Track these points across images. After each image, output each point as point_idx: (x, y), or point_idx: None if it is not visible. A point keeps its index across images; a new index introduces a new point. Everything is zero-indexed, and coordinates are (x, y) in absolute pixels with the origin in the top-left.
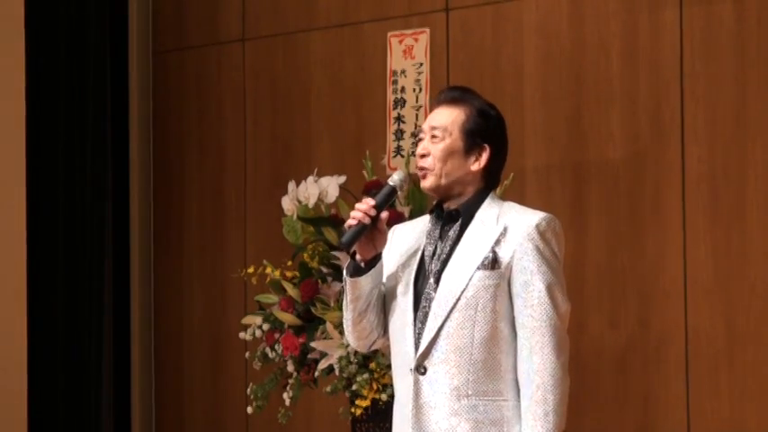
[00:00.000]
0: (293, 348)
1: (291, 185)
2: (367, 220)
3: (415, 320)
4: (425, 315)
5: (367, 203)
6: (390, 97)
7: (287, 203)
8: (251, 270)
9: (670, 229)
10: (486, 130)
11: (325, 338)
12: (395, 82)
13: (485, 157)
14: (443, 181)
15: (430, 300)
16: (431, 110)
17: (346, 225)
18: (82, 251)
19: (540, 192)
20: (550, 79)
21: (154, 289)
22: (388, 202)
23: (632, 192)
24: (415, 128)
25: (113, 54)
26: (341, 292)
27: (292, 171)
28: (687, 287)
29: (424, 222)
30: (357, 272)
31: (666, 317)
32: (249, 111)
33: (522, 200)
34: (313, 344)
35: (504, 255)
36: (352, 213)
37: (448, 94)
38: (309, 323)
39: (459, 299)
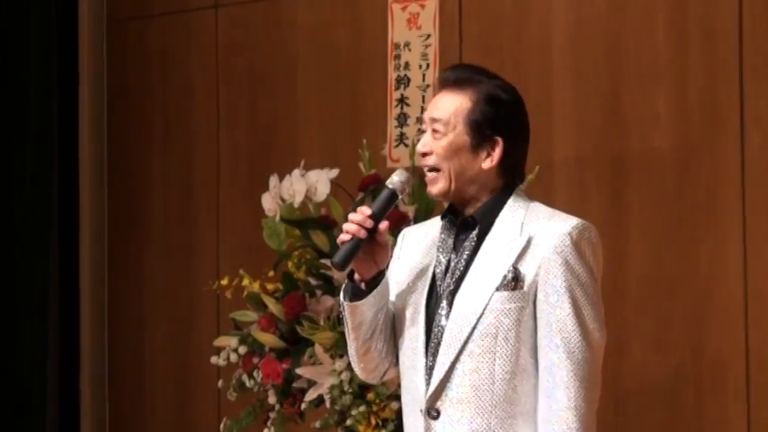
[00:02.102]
0: (275, 376)
1: (273, 180)
2: (363, 234)
3: (426, 352)
4: (437, 345)
5: (362, 213)
6: (392, 75)
7: (268, 202)
8: (225, 282)
9: (728, 234)
10: (496, 119)
11: (313, 364)
12: (397, 57)
13: (497, 152)
14: (453, 184)
15: (442, 327)
16: (433, 94)
17: (339, 241)
18: (20, 259)
19: (570, 189)
20: (583, 53)
21: (108, 305)
22: (387, 209)
23: (682, 188)
24: (422, 112)
25: (60, 22)
26: (338, 313)
27: (274, 163)
28: (748, 304)
29: (437, 228)
30: (357, 295)
31: (723, 339)
32: (223, 91)
33: (549, 199)
34: (299, 370)
35: (527, 271)
36: (345, 226)
37: (450, 75)
38: (295, 345)
39: (475, 326)
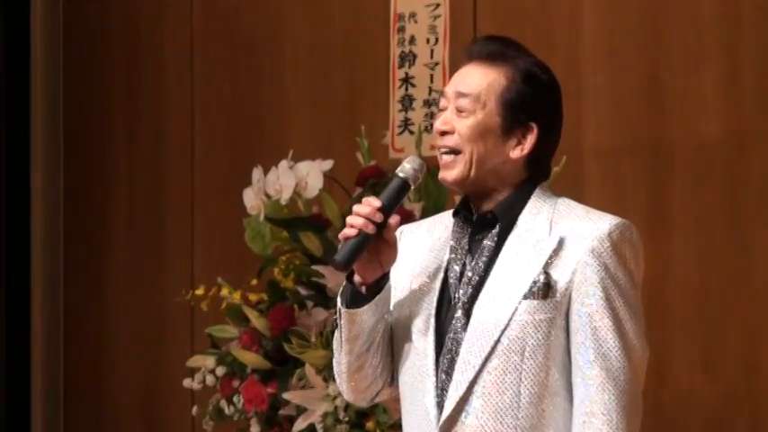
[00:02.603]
0: (259, 401)
1: (257, 173)
2: (371, 229)
3: (437, 370)
4: (451, 362)
5: (370, 205)
6: (395, 51)
7: (251, 198)
8: (200, 292)
9: None
10: (534, 102)
11: (303, 387)
12: (401, 30)
13: (530, 140)
14: (474, 172)
15: (458, 341)
16: (460, 67)
17: (342, 236)
18: None
19: (602, 184)
20: (617, 25)
21: (64, 319)
22: (398, 201)
23: (732, 183)
24: (430, 94)
25: None
26: (333, 326)
27: (258, 153)
28: None
29: (445, 225)
30: (356, 300)
31: None
32: (198, 69)
33: (578, 195)
34: (286, 395)
35: (559, 277)
36: (350, 219)
37: (484, 46)
38: (282, 366)
39: (498, 340)
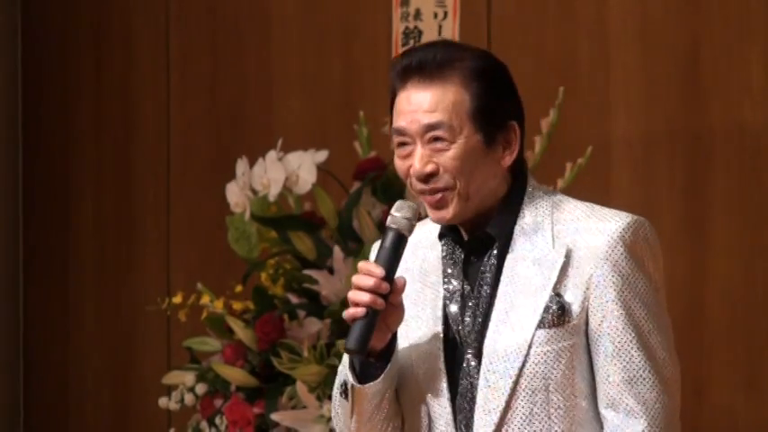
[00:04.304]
0: (244, 423)
1: (242, 165)
2: (379, 305)
3: (455, 420)
4: (469, 410)
5: (372, 274)
6: (398, 27)
7: (234, 194)
8: (177, 299)
9: None
10: (500, 98)
11: (294, 407)
12: (405, 2)
13: (516, 140)
14: (471, 202)
15: (472, 386)
16: (396, 89)
17: (348, 317)
18: None
19: (633, 177)
20: (652, 1)
21: (23, 331)
22: (399, 259)
23: None
24: None
25: None
26: (327, 341)
27: (242, 143)
28: None
29: (429, 247)
30: (366, 371)
31: None
32: (174, 48)
33: (605, 189)
34: (275, 416)
35: (573, 297)
36: (354, 297)
37: (422, 60)
38: (270, 383)
39: (517, 380)
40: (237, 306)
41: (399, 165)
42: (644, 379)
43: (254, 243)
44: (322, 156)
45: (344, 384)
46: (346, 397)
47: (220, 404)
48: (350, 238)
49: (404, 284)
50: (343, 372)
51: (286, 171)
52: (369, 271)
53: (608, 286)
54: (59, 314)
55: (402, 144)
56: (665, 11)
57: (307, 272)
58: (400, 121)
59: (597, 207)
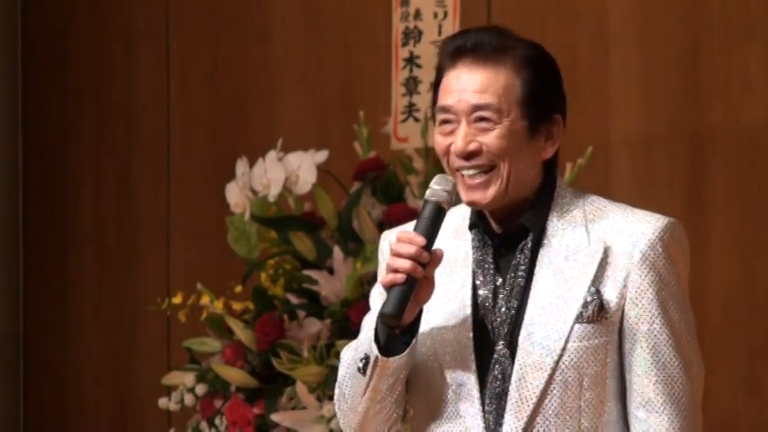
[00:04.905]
0: (244, 423)
1: (242, 166)
2: (420, 273)
3: (483, 411)
4: (499, 402)
5: (413, 243)
6: (398, 27)
7: (234, 194)
8: (177, 300)
9: None
10: (549, 90)
11: (294, 408)
12: (405, 2)
13: (558, 133)
14: (511, 187)
15: (504, 376)
16: (444, 68)
17: (386, 283)
18: None
19: (634, 178)
20: (652, 1)
21: (23, 331)
22: (437, 231)
23: None
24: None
25: None
26: (326, 342)
27: (242, 143)
28: None
29: (458, 237)
30: (390, 344)
31: None
32: (174, 47)
33: (605, 191)
34: (275, 416)
35: (610, 293)
36: (394, 263)
37: (478, 41)
38: (269, 384)
39: (553, 373)
40: (237, 306)
41: (440, 142)
42: (678, 379)
43: (254, 243)
44: (322, 156)
45: (365, 358)
46: (364, 373)
47: (220, 404)
48: (350, 238)
49: (441, 256)
50: (363, 347)
51: (286, 171)
52: (410, 239)
53: (646, 286)
54: (59, 314)
55: (445, 122)
56: (665, 11)
57: (307, 272)
58: (447, 99)
59: (630, 208)
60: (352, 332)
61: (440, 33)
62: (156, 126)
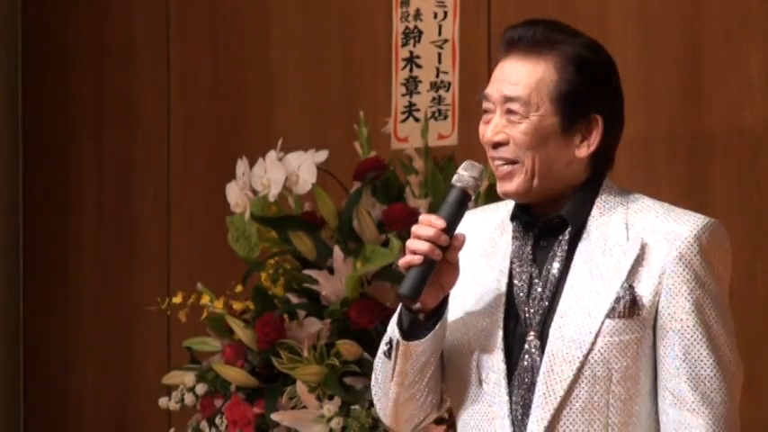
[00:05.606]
0: (244, 423)
1: (242, 166)
2: (437, 255)
3: (510, 401)
4: (527, 392)
5: (432, 225)
6: (398, 26)
7: (234, 194)
8: (177, 299)
9: None
10: (592, 90)
11: (294, 407)
12: (405, 2)
13: (596, 134)
14: (537, 181)
15: (533, 368)
16: (499, 58)
17: (403, 264)
18: None
19: (633, 178)
20: (652, 1)
21: (23, 332)
22: (460, 216)
23: None
24: (437, 75)
25: None
26: (327, 341)
27: (242, 143)
28: None
29: (499, 227)
30: (414, 329)
31: None
32: (174, 48)
33: None
34: (275, 416)
35: (644, 290)
36: (412, 245)
37: (524, 33)
38: (270, 384)
39: (581, 367)
40: (237, 306)
41: (480, 130)
42: (711, 378)
43: (254, 243)
44: (322, 156)
45: (390, 342)
46: (389, 356)
47: (220, 404)
48: (350, 238)
49: (463, 241)
50: (388, 331)
51: (286, 171)
52: (429, 222)
53: (681, 284)
54: (59, 314)
55: (486, 110)
56: (665, 11)
57: (307, 272)
58: (488, 87)
59: (674, 207)
60: (352, 332)
61: (440, 33)
62: (156, 126)
